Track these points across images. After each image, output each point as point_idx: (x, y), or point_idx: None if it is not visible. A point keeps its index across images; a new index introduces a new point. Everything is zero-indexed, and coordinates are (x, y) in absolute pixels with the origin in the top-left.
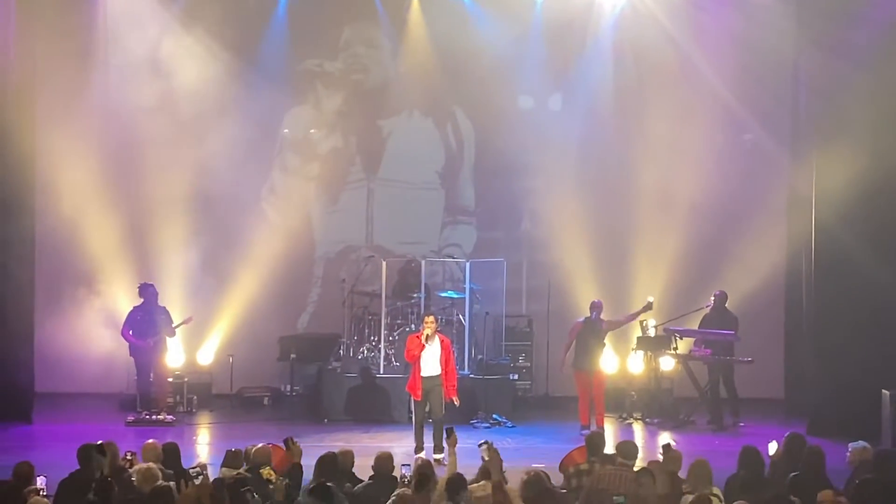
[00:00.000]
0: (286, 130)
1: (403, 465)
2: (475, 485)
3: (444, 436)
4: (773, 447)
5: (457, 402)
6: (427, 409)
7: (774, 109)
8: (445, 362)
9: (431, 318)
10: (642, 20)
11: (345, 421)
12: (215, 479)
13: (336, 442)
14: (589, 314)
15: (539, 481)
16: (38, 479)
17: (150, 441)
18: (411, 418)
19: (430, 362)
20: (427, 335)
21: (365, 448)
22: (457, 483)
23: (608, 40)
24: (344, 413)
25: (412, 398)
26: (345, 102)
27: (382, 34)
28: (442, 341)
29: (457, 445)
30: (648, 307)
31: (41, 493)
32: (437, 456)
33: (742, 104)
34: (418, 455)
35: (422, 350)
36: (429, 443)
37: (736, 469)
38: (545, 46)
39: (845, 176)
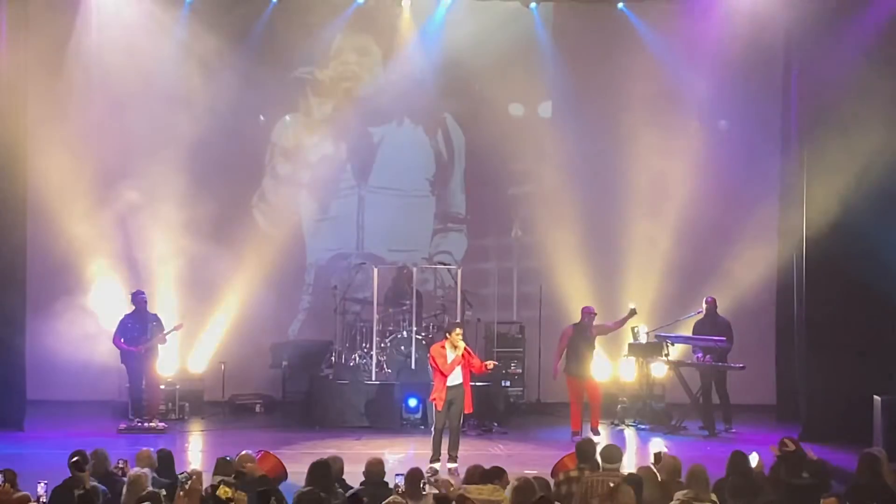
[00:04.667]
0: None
1: (397, 474)
2: (473, 486)
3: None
4: (754, 459)
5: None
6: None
7: (765, 113)
8: (467, 368)
9: (460, 331)
10: (629, 28)
11: (336, 428)
12: (209, 486)
13: (328, 449)
14: (579, 320)
15: (529, 488)
16: (38, 485)
17: (145, 449)
18: (403, 424)
19: (455, 372)
20: (464, 347)
21: (357, 455)
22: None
23: (597, 46)
24: (336, 420)
25: (435, 407)
26: (335, 110)
27: (373, 42)
28: (463, 349)
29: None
30: (633, 313)
31: (40, 499)
32: (451, 465)
33: (732, 109)
34: (432, 465)
35: (458, 364)
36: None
37: (725, 475)
38: (536, 54)
39: (836, 181)
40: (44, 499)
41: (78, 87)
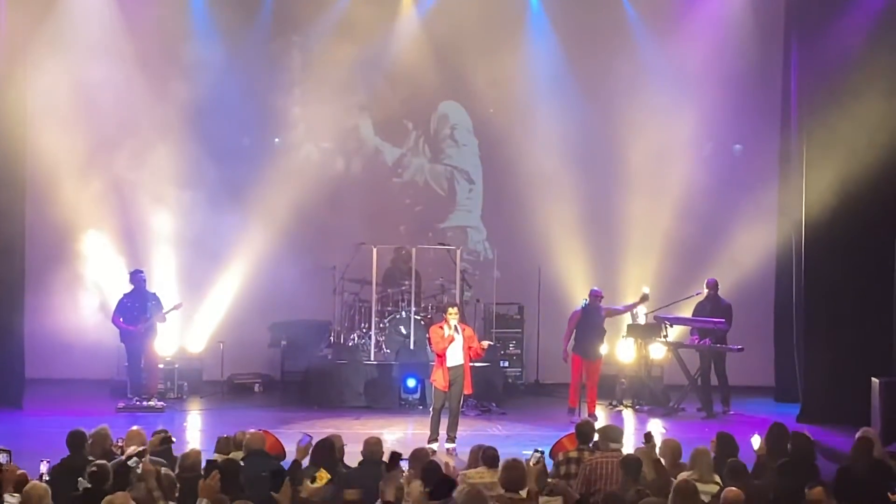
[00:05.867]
0: (277, 140)
1: (403, 459)
2: (472, 470)
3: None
4: (756, 441)
5: (485, 344)
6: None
7: (764, 92)
8: (468, 350)
9: (455, 310)
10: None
11: (335, 407)
12: (207, 461)
13: (326, 428)
14: (587, 302)
15: (518, 467)
16: (41, 464)
17: (135, 427)
18: (401, 405)
19: (455, 352)
20: (455, 327)
21: (355, 435)
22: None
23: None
24: (334, 400)
25: (434, 388)
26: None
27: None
28: (463, 330)
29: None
30: (645, 298)
31: (42, 477)
32: (449, 446)
33: (731, 88)
34: (430, 445)
35: (451, 343)
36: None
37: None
38: (531, 32)
39: (836, 162)
40: (46, 477)
41: (78, 55)
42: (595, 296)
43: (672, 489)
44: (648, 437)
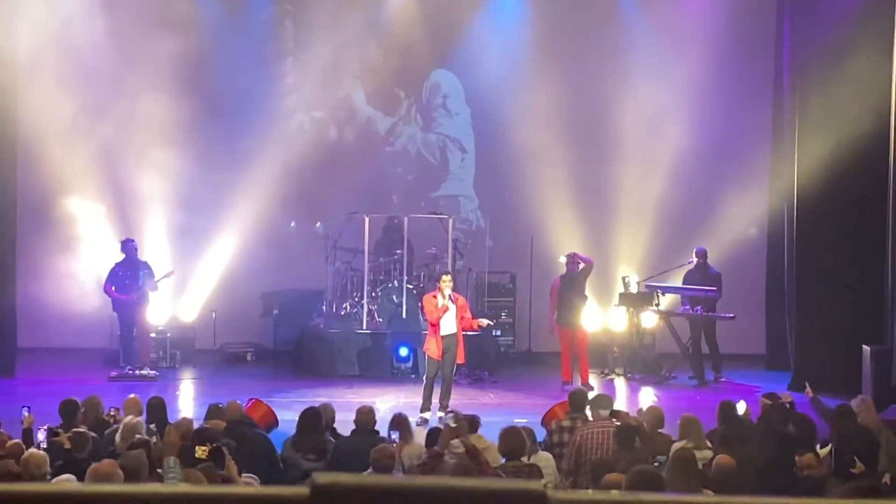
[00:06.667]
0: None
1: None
2: (457, 440)
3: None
4: (741, 406)
5: (485, 323)
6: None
7: (757, 62)
8: (461, 319)
9: (448, 278)
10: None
11: (327, 376)
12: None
13: (319, 397)
14: (565, 271)
15: (517, 434)
16: (38, 432)
17: (133, 396)
18: (394, 374)
19: (448, 321)
20: (449, 296)
21: (347, 404)
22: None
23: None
24: (326, 369)
25: (427, 357)
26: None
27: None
28: (456, 300)
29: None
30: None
31: (40, 445)
32: (441, 414)
33: (724, 58)
34: (423, 414)
35: (445, 312)
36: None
37: (716, 424)
38: (534, 6)
39: (828, 131)
40: (44, 445)
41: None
42: (569, 258)
43: (670, 457)
44: (616, 414)
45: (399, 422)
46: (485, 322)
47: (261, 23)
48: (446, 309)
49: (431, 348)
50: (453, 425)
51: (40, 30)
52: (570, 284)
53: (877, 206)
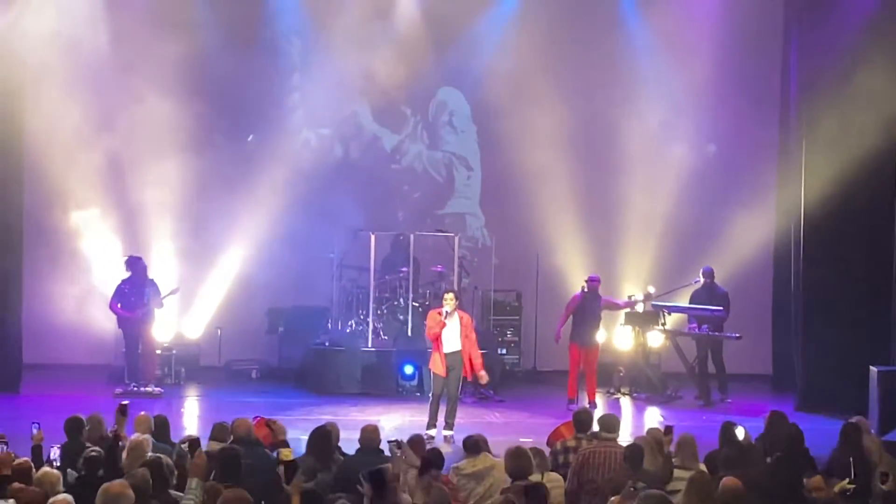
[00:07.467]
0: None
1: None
2: (462, 462)
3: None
4: (740, 432)
5: (485, 379)
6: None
7: (764, 91)
8: (465, 338)
9: (451, 296)
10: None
11: (333, 394)
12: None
13: (323, 416)
14: (586, 288)
15: (524, 454)
16: (50, 450)
17: (144, 413)
18: (400, 391)
19: (451, 339)
20: (447, 312)
21: (353, 422)
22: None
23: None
24: (332, 386)
25: (433, 374)
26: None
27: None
28: (461, 318)
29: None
30: (648, 297)
31: (54, 464)
32: (447, 433)
33: (730, 76)
34: (429, 431)
35: (442, 328)
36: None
37: (718, 445)
38: (524, 19)
39: (835, 150)
40: (57, 463)
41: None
42: (593, 282)
43: (687, 481)
44: (669, 431)
45: (413, 445)
46: (483, 378)
47: (267, 39)
48: (443, 325)
49: (436, 365)
50: (399, 454)
51: (46, 36)
52: (590, 305)
53: (886, 224)
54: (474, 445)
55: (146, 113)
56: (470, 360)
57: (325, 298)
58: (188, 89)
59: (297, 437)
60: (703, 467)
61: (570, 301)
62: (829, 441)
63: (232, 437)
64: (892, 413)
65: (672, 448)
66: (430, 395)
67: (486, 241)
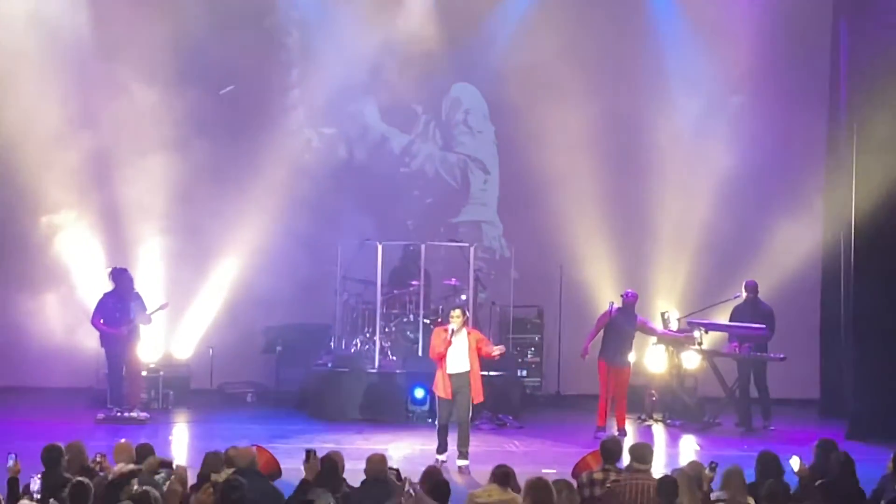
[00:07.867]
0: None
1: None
2: (479, 489)
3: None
4: (795, 463)
5: (499, 350)
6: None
7: (811, 87)
8: (477, 352)
9: (458, 312)
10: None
11: (335, 420)
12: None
13: (325, 443)
14: (622, 304)
15: (546, 487)
16: (31, 480)
17: (124, 441)
18: (410, 417)
19: (458, 359)
20: (452, 330)
21: (357, 451)
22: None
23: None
24: (334, 412)
25: (437, 399)
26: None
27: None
28: (469, 335)
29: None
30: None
31: (34, 496)
32: (462, 463)
33: (774, 74)
34: (439, 456)
35: (447, 347)
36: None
37: (755, 477)
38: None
39: (889, 154)
40: (38, 496)
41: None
42: (629, 297)
43: None
44: (713, 467)
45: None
46: (497, 351)
47: (264, 30)
48: (449, 343)
49: (438, 387)
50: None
51: (22, 18)
52: (625, 320)
53: None
54: (503, 477)
55: (128, 110)
56: (488, 355)
57: (328, 315)
58: (176, 79)
59: (297, 468)
60: (751, 501)
61: (602, 315)
62: (882, 473)
63: (234, 469)
64: None
65: (713, 485)
66: (437, 422)
67: (505, 251)
